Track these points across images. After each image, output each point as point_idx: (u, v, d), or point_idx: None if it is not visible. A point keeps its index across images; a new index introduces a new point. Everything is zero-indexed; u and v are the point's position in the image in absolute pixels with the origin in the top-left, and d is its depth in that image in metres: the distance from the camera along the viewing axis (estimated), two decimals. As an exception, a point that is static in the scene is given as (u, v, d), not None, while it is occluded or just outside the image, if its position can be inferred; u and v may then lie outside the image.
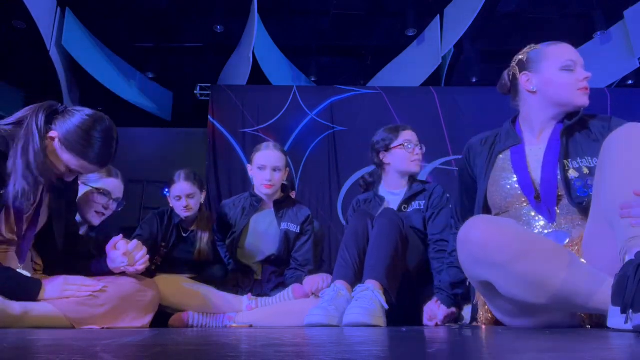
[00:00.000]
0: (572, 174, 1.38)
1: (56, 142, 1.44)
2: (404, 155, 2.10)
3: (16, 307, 1.33)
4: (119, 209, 2.23)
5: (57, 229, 1.58)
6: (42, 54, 4.56)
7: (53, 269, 1.58)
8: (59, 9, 4.63)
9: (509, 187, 1.46)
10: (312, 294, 1.91)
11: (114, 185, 2.18)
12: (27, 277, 1.43)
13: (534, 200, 1.39)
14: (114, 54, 5.57)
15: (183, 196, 2.35)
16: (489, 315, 1.38)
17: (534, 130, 1.54)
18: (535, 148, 1.50)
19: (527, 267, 1.07)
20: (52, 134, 1.44)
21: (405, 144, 2.10)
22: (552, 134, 1.49)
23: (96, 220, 2.16)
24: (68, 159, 1.44)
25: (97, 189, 2.12)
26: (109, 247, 1.54)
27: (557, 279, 1.04)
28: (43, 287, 1.41)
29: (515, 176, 1.46)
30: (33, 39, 4.62)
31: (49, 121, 1.45)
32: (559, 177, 1.38)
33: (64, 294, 1.41)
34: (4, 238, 1.45)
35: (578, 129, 1.47)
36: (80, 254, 1.66)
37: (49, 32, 4.51)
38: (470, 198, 1.64)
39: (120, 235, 1.55)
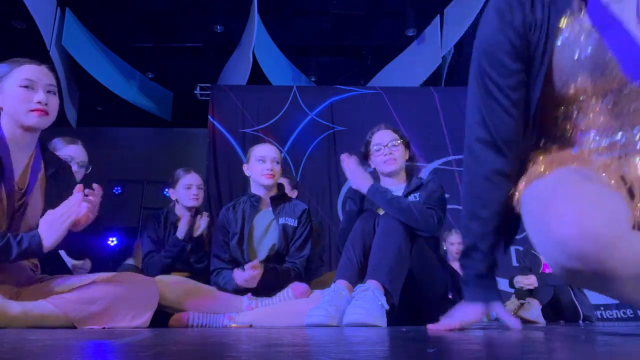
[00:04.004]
0: None
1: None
2: (378, 159, 2.09)
3: (16, 307, 1.33)
4: (87, 172, 2.26)
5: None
6: (42, 54, 4.56)
7: (51, 268, 1.57)
8: (59, 9, 4.63)
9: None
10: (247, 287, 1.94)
11: (75, 150, 2.21)
12: (22, 235, 1.38)
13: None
14: (114, 54, 5.58)
15: (194, 185, 2.41)
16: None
17: None
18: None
19: None
20: None
21: (375, 148, 2.09)
22: None
23: None
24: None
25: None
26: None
27: None
28: (41, 236, 1.38)
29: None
30: (33, 39, 4.63)
31: None
32: None
33: (63, 226, 1.38)
34: None
35: None
36: None
37: (49, 32, 4.52)
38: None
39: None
